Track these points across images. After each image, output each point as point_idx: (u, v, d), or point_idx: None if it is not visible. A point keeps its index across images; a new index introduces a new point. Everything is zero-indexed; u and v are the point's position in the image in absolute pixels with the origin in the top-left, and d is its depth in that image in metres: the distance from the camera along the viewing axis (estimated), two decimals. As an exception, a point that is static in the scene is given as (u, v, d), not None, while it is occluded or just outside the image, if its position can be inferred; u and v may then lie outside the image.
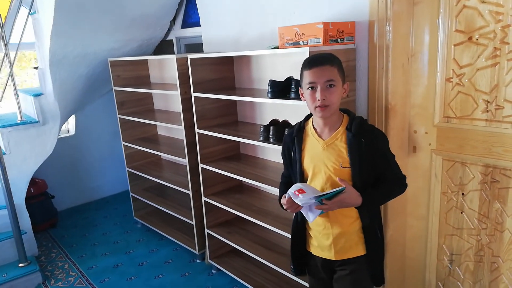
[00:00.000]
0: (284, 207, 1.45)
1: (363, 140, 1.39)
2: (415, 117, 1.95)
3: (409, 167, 2.02)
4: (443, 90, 1.83)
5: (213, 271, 2.81)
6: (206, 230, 2.78)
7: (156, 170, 3.39)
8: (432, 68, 1.84)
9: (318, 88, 1.35)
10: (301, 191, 1.35)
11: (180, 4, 3.25)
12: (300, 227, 1.60)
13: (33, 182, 3.54)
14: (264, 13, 2.46)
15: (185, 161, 2.80)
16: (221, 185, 2.76)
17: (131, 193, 3.61)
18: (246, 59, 2.62)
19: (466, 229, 1.92)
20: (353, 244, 1.49)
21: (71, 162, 4.11)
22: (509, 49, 1.60)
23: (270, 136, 2.11)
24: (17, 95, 3.03)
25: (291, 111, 2.33)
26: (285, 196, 1.44)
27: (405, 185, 1.50)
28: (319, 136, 1.46)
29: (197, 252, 2.95)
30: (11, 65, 2.98)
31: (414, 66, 1.91)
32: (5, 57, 2.96)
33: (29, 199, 3.41)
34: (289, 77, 2.06)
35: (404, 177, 1.50)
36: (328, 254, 1.52)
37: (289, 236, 2.05)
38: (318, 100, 1.35)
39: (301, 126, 1.53)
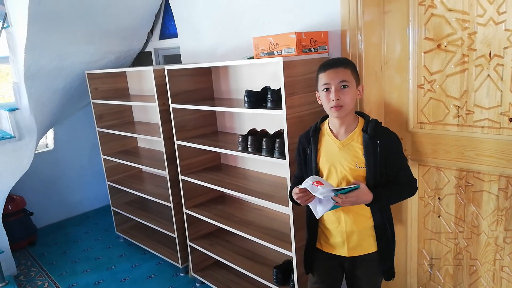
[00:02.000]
0: (296, 197, 1.48)
1: (378, 141, 1.45)
2: (389, 123, 1.97)
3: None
4: (416, 97, 1.86)
5: (197, 284, 2.77)
6: (189, 243, 2.75)
7: (137, 183, 3.34)
8: (404, 75, 1.87)
9: (333, 89, 1.42)
10: (319, 183, 1.40)
11: (157, 16, 3.25)
12: (313, 224, 1.64)
13: (10, 198, 3.46)
14: (240, 24, 2.47)
15: (165, 173, 2.77)
16: (202, 197, 2.74)
17: (112, 207, 3.55)
18: (223, 70, 2.62)
19: (444, 233, 1.94)
20: (365, 241, 1.55)
21: (50, 177, 4.02)
22: (476, 55, 1.64)
23: (249, 146, 2.10)
24: (-10, 110, 2.97)
25: (268, 120, 2.34)
26: (297, 188, 1.47)
27: (416, 188, 1.58)
28: (335, 137, 1.52)
29: (180, 266, 2.91)
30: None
31: (386, 74, 1.93)
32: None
33: (6, 216, 3.33)
34: (265, 86, 2.07)
35: (415, 181, 1.57)
36: (341, 251, 1.58)
37: (270, 246, 2.06)
38: (333, 100, 1.41)
39: (317, 126, 1.59)
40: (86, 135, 4.13)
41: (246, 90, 2.02)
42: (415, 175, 1.95)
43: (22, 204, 3.62)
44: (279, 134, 2.09)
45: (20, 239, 3.53)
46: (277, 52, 1.94)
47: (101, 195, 4.20)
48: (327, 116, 1.57)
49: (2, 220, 3.16)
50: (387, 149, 1.45)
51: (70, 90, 3.33)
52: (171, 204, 2.79)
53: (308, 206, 1.51)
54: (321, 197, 1.38)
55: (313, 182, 1.40)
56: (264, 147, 2.01)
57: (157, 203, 3.17)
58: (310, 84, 1.84)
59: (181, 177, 2.63)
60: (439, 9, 1.69)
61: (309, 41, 1.88)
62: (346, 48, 1.90)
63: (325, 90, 1.44)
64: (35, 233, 3.71)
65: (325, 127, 1.56)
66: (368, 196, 1.42)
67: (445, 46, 1.71)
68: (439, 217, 1.93)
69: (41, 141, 4.08)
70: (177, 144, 2.58)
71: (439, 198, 1.91)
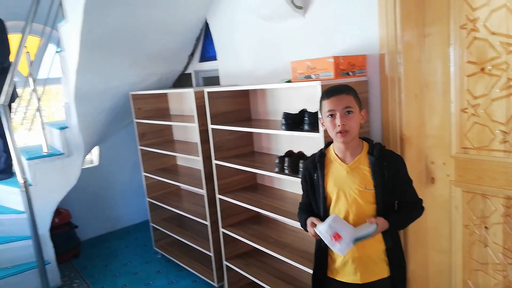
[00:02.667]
0: (311, 234, 1.50)
1: (385, 163, 1.48)
2: (431, 148, 1.92)
3: (428, 199, 1.97)
4: (459, 121, 1.81)
5: (231, 304, 2.77)
6: (224, 262, 2.77)
7: (175, 200, 3.42)
8: (446, 99, 1.83)
9: (337, 115, 1.45)
10: (337, 236, 1.38)
11: (198, 40, 3.38)
12: (323, 252, 1.62)
13: (57, 212, 3.64)
14: (278, 47, 2.53)
15: (203, 192, 2.82)
16: (238, 216, 2.76)
17: (151, 223, 3.65)
18: (261, 92, 2.67)
19: (491, 264, 1.83)
20: (377, 266, 1.53)
21: (94, 192, 4.21)
22: (524, 79, 1.58)
23: (285, 168, 2.12)
24: (43, 128, 3.18)
25: (306, 142, 2.34)
26: (313, 225, 1.49)
27: (423, 208, 1.59)
28: (342, 161, 1.52)
29: (216, 285, 2.92)
30: (39, 100, 3.14)
31: (427, 97, 1.89)
32: (33, 92, 3.13)
33: (53, 229, 3.49)
34: (303, 109, 2.09)
35: (421, 200, 1.58)
36: (353, 278, 1.55)
37: (306, 269, 2.03)
38: (338, 126, 1.44)
39: (323, 152, 1.61)
40: (129, 153, 4.30)
41: (284, 112, 2.05)
42: (458, 202, 1.89)
43: (68, 217, 3.80)
44: (316, 156, 2.09)
45: (65, 252, 3.69)
46: (315, 76, 1.96)
47: (141, 210, 4.34)
48: (331, 142, 1.60)
49: (50, 232, 3.34)
50: (393, 170, 1.48)
51: (115, 109, 3.51)
52: (208, 223, 2.83)
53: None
54: (340, 254, 1.41)
55: (331, 236, 1.38)
56: (301, 170, 2.01)
57: (194, 220, 3.23)
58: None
59: (218, 196, 2.68)
60: (482, 33, 1.65)
61: (347, 65, 1.89)
62: (385, 71, 1.88)
63: (330, 116, 1.47)
64: (79, 245, 3.87)
65: (331, 153, 1.58)
66: (385, 225, 1.44)
67: (489, 70, 1.66)
68: (485, 247, 1.84)
69: (87, 157, 4.30)
70: (215, 164, 2.64)
71: (485, 227, 1.82)
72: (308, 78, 2.00)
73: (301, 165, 2.00)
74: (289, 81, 2.12)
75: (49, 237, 3.17)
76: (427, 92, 1.89)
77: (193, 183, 3.03)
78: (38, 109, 3.13)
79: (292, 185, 2.57)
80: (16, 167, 2.81)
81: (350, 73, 1.91)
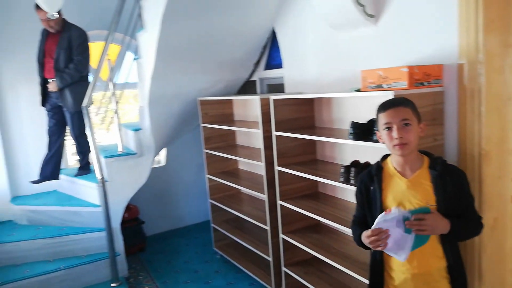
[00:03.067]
0: (367, 241, 1.45)
1: (448, 178, 1.42)
2: (514, 164, 1.79)
3: (509, 218, 1.83)
4: (548, 137, 1.67)
5: (288, 311, 2.78)
6: (283, 268, 2.78)
7: (236, 203, 3.51)
8: (534, 113, 1.70)
9: (394, 128, 1.42)
10: (389, 211, 1.42)
11: (264, 48, 3.45)
12: (379, 267, 1.57)
13: (127, 208, 3.89)
14: (346, 55, 2.51)
15: (264, 197, 2.87)
16: (299, 223, 2.77)
17: (212, 224, 3.78)
18: (326, 100, 2.66)
19: None
20: (438, 284, 1.47)
21: (160, 191, 4.45)
22: None
23: (351, 178, 2.09)
24: (120, 129, 3.43)
25: (372, 152, 2.28)
26: (368, 230, 1.45)
27: (482, 225, 1.51)
28: (402, 175, 1.49)
29: (273, 290, 2.95)
30: (116, 103, 3.40)
31: (511, 110, 1.77)
32: (112, 96, 3.39)
33: (123, 223, 3.75)
34: (372, 119, 2.05)
35: (481, 218, 1.51)
36: None
37: (367, 282, 1.98)
38: (396, 138, 1.41)
39: (380, 165, 1.58)
40: (194, 155, 4.49)
41: (352, 121, 2.03)
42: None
43: (136, 213, 4.06)
44: (384, 168, 2.03)
45: (132, 245, 3.94)
46: (387, 85, 1.92)
47: (203, 211, 4.50)
48: (388, 155, 1.56)
49: (120, 226, 3.59)
50: (456, 186, 1.43)
51: (184, 113, 3.69)
52: (268, 227, 2.87)
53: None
54: (395, 220, 1.38)
55: (384, 212, 1.41)
56: (368, 181, 1.97)
57: (254, 224, 3.28)
58: (422, 118, 1.77)
59: (279, 202, 2.70)
60: None
61: (422, 75, 1.82)
62: (464, 81, 1.79)
63: (386, 129, 1.44)
64: (145, 240, 4.11)
65: (388, 166, 1.54)
66: (444, 222, 1.38)
67: None
68: None
69: (155, 158, 4.57)
70: (278, 170, 2.67)
71: None
72: (379, 87, 1.96)
73: (368, 176, 1.97)
74: (358, 90, 2.09)
75: (120, 230, 3.41)
76: (510, 105, 1.77)
77: (254, 187, 3.09)
78: (116, 112, 3.39)
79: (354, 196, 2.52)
80: (95, 165, 3.06)
81: (425, 83, 1.84)
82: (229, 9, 2.87)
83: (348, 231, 2.13)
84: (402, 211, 1.40)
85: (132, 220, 3.99)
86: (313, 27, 2.77)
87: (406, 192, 1.46)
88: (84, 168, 3.69)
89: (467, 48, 1.75)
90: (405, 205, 1.45)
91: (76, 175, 3.62)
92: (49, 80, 3.35)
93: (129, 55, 4.23)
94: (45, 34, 3.36)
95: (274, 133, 2.64)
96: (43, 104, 3.46)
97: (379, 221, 1.41)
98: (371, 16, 2.23)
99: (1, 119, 3.65)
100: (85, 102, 3.13)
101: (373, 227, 1.42)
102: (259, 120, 2.75)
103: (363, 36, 2.34)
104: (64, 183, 3.75)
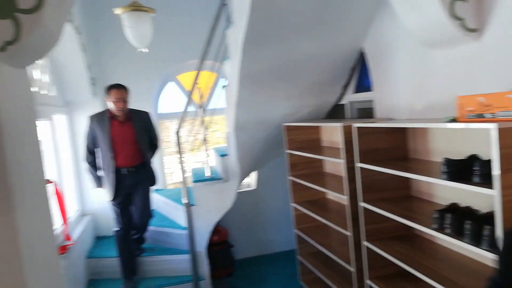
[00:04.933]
0: None
1: None
2: None
3: None
4: None
5: None
6: (368, 318, 2.45)
7: (322, 236, 3.26)
8: None
9: None
10: None
11: (353, 70, 3.19)
12: None
13: (217, 230, 3.95)
14: (442, 78, 2.14)
15: (348, 234, 2.59)
16: (388, 269, 2.40)
17: (297, 256, 3.59)
18: (420, 129, 2.30)
19: None
20: None
21: (250, 215, 4.44)
22: None
23: (445, 226, 1.72)
24: (207, 155, 3.52)
25: (476, 194, 1.86)
26: None
27: None
28: None
29: None
30: (205, 129, 3.51)
31: None
32: (202, 122, 3.51)
33: (212, 245, 3.81)
34: (472, 155, 1.67)
35: None
36: None
37: None
38: None
39: None
40: (283, 180, 4.37)
41: (444, 158, 1.68)
42: None
43: (225, 236, 4.08)
44: (490, 216, 1.62)
45: (221, 268, 3.95)
46: (490, 115, 1.54)
47: (292, 238, 4.32)
48: None
49: (209, 249, 3.65)
50: None
51: (269, 140, 3.62)
52: (353, 269, 2.58)
53: None
54: None
55: None
56: (467, 232, 1.59)
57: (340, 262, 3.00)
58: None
59: (363, 242, 2.40)
60: None
61: (539, 102, 1.41)
62: None
63: None
64: (233, 264, 4.10)
65: None
66: None
67: None
68: None
69: (245, 181, 4.59)
70: (361, 206, 2.38)
71: None
72: (480, 117, 1.59)
73: (466, 226, 1.59)
74: (453, 120, 1.73)
75: (205, 254, 3.45)
76: None
77: (339, 222, 2.82)
78: (204, 138, 3.50)
79: (461, 245, 2.08)
80: (182, 189, 3.17)
81: (544, 113, 1.42)
82: (312, 33, 2.71)
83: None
84: None
85: (221, 243, 4.01)
86: (404, 45, 2.44)
87: None
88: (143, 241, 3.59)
89: None
90: None
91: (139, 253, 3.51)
92: (124, 168, 3.13)
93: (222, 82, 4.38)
94: (104, 122, 3.11)
95: (357, 164, 2.37)
96: (115, 197, 3.17)
97: None
98: (472, 30, 1.85)
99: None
100: (176, 128, 3.30)
101: None
102: (342, 149, 2.52)
103: (463, 55, 1.96)
104: (160, 203, 3.99)
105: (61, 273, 1.73)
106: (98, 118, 3.15)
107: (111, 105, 3.08)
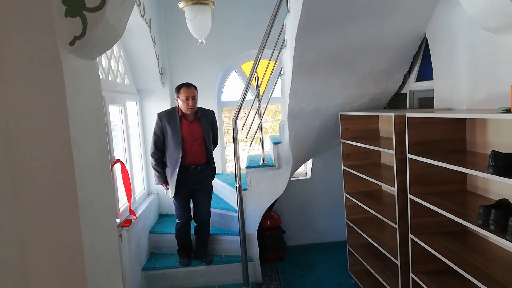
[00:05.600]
0: None
1: None
2: None
3: None
4: None
5: None
6: (412, 313, 2.39)
7: (372, 228, 3.21)
8: None
9: None
10: None
11: (415, 57, 3.06)
12: None
13: (270, 215, 4.08)
14: (506, 66, 1.98)
15: (396, 226, 2.54)
16: (434, 265, 2.32)
17: (347, 246, 3.57)
18: (480, 120, 2.16)
19: None
20: None
21: (304, 203, 4.47)
22: None
23: (491, 222, 1.63)
24: (262, 141, 3.63)
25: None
26: None
27: None
28: None
29: (401, 334, 2.57)
30: (261, 117, 3.61)
31: None
32: (258, 110, 3.62)
33: (265, 230, 3.95)
34: (525, 148, 1.56)
35: None
36: None
37: None
38: None
39: None
40: (338, 170, 4.33)
41: (492, 151, 1.59)
42: None
43: (278, 221, 4.19)
44: (540, 215, 1.51)
45: (272, 252, 4.08)
46: (546, 105, 1.42)
47: (343, 229, 4.29)
48: None
49: (262, 233, 3.79)
50: None
51: (324, 129, 3.62)
52: (398, 262, 2.53)
53: None
54: None
55: None
56: (510, 229, 1.50)
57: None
58: None
59: (410, 236, 2.34)
60: None
61: None
62: None
63: None
64: (284, 250, 4.20)
65: None
66: None
67: None
68: None
69: (302, 169, 4.63)
70: (410, 199, 2.32)
71: None
72: (536, 107, 1.48)
73: (511, 222, 1.50)
74: (507, 110, 1.62)
75: (255, 237, 3.59)
76: None
77: (388, 214, 2.76)
78: (260, 125, 3.61)
79: (507, 243, 1.95)
80: (236, 174, 3.32)
81: None
82: (371, 17, 2.63)
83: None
84: None
85: (273, 229, 4.13)
86: (467, 31, 2.30)
87: None
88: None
89: None
90: None
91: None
92: (190, 166, 3.26)
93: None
94: (175, 121, 3.22)
95: (408, 155, 2.30)
96: (177, 193, 3.31)
97: None
98: (540, 12, 1.69)
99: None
100: (234, 115, 3.45)
101: None
102: (393, 139, 2.46)
103: (528, 39, 1.81)
104: (217, 186, 4.20)
105: (118, 245, 1.94)
106: (168, 117, 3.24)
107: (181, 104, 3.21)
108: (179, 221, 3.46)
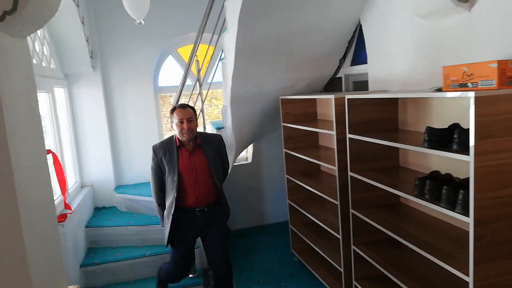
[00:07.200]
0: None
1: None
2: None
3: None
4: None
5: (359, 329, 2.56)
6: (354, 282, 2.57)
7: (313, 207, 3.37)
8: None
9: None
10: None
11: (350, 42, 3.22)
12: None
13: (213, 202, 4.06)
14: (435, 49, 2.18)
15: (337, 203, 2.69)
16: (373, 235, 2.51)
17: (290, 226, 3.70)
18: (411, 100, 2.35)
19: None
20: None
21: (245, 187, 4.53)
22: None
23: (426, 192, 1.80)
24: (205, 128, 3.58)
25: (457, 163, 1.93)
26: None
27: None
28: None
29: (344, 303, 2.75)
30: (203, 102, 3.56)
31: None
32: (199, 95, 3.56)
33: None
34: (453, 124, 1.73)
35: None
36: None
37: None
38: None
39: None
40: (278, 154, 4.45)
41: (428, 127, 1.74)
42: None
43: (221, 207, 4.20)
44: (466, 183, 1.70)
45: (216, 238, 4.09)
46: (472, 85, 1.59)
47: (285, 210, 4.44)
48: None
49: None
50: None
51: (266, 113, 3.67)
52: (340, 236, 2.68)
53: None
54: None
55: None
56: (444, 197, 1.67)
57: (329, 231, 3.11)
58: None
59: (351, 210, 2.50)
60: None
61: (517, 71, 1.46)
62: None
63: None
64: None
65: None
66: None
67: None
68: None
69: (243, 154, 4.67)
70: (350, 176, 2.46)
71: None
72: (463, 86, 1.64)
73: (444, 191, 1.67)
74: (439, 90, 1.78)
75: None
76: None
77: (329, 192, 2.91)
78: (202, 110, 3.55)
79: (440, 210, 2.17)
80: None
81: (522, 82, 1.47)
82: (310, 3, 2.72)
83: (427, 256, 1.84)
84: None
85: (217, 214, 4.14)
86: (399, 17, 2.47)
87: None
88: None
89: None
90: None
91: None
92: (193, 209, 2.59)
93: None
94: (171, 154, 2.57)
95: (348, 135, 2.44)
96: (176, 244, 2.67)
97: None
98: (463, 1, 1.88)
99: (110, 118, 4.14)
100: (173, 102, 3.35)
101: None
102: (333, 120, 2.58)
103: (454, 25, 2.00)
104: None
105: (59, 240, 1.82)
106: (164, 148, 2.59)
107: (176, 129, 2.56)
108: (170, 268, 2.80)
